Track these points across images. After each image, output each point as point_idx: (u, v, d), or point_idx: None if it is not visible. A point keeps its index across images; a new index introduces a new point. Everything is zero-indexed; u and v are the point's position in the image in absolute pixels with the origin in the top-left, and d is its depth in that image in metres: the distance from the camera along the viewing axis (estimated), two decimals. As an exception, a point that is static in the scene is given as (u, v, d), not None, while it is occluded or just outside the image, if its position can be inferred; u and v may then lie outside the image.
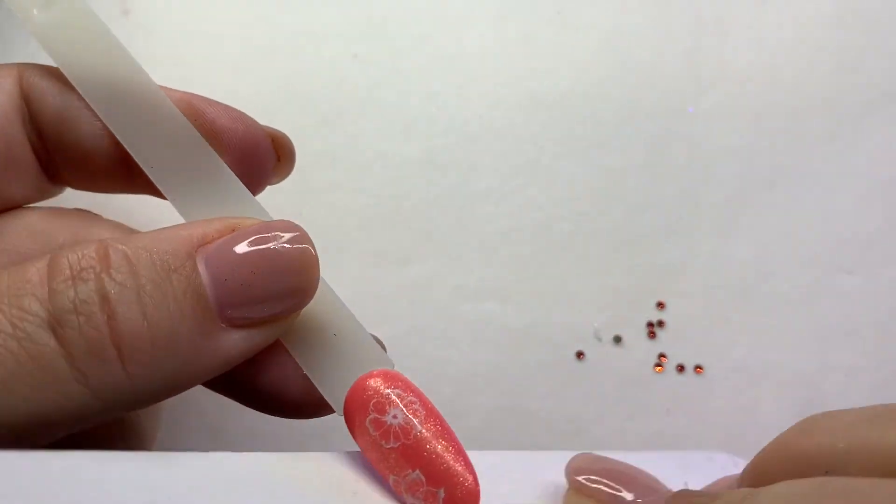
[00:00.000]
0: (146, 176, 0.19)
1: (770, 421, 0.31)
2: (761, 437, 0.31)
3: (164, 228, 0.18)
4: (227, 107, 0.21)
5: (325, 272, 0.32)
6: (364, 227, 0.31)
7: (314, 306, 0.19)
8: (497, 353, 0.31)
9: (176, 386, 0.17)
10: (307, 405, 0.19)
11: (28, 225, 0.21)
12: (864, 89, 0.33)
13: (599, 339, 0.31)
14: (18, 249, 0.20)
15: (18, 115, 0.20)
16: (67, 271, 0.16)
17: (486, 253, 0.32)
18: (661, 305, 0.32)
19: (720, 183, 0.32)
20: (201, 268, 0.17)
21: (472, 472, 0.18)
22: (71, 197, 0.23)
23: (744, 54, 0.33)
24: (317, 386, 0.19)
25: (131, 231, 0.22)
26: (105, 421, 0.17)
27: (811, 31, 0.33)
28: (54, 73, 0.20)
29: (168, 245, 0.17)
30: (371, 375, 0.19)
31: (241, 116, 0.21)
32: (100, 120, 0.20)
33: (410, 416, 0.18)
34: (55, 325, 0.16)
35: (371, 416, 0.18)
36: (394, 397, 0.18)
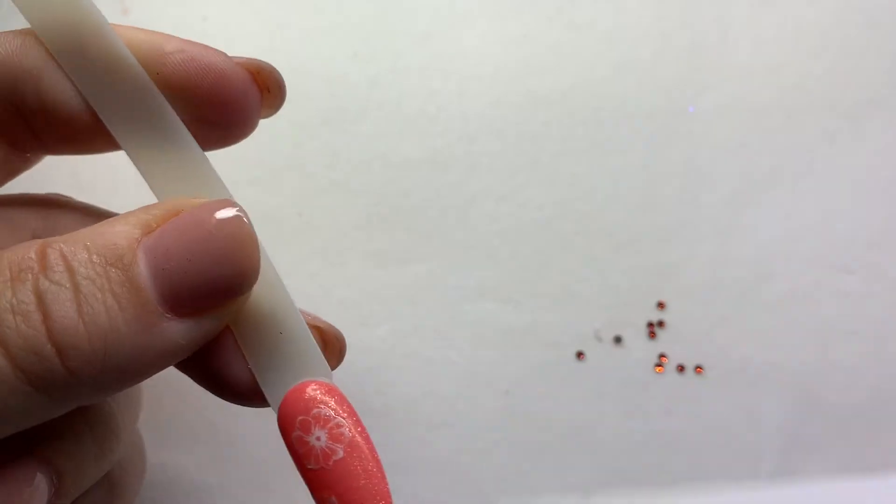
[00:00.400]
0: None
1: (770, 421, 0.31)
2: (761, 436, 0.32)
3: (108, 220, 0.18)
4: (196, 50, 0.20)
5: (325, 272, 0.32)
6: (364, 227, 0.31)
7: (266, 300, 0.19)
8: (497, 353, 0.31)
9: (124, 378, 0.17)
10: (255, 394, 0.19)
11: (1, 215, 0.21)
12: (864, 89, 0.33)
13: (600, 339, 0.31)
14: None
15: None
16: (7, 273, 0.16)
17: (486, 253, 0.32)
18: (661, 305, 0.32)
19: (720, 183, 0.32)
20: (140, 259, 0.17)
21: (387, 493, 0.18)
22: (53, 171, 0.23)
23: (744, 54, 0.33)
24: (258, 381, 0.19)
25: (102, 214, 0.22)
26: (59, 414, 0.17)
27: (811, 30, 0.33)
28: (27, 34, 0.20)
29: (107, 240, 0.17)
30: (308, 385, 0.18)
31: (210, 61, 0.20)
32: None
33: (332, 443, 0.18)
34: None
35: (296, 434, 0.18)
36: (323, 415, 0.18)
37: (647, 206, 0.32)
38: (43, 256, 0.17)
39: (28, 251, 0.17)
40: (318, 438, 0.18)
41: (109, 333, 0.16)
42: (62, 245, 0.17)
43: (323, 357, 0.19)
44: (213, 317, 0.18)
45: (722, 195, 0.32)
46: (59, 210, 0.21)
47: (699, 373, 0.31)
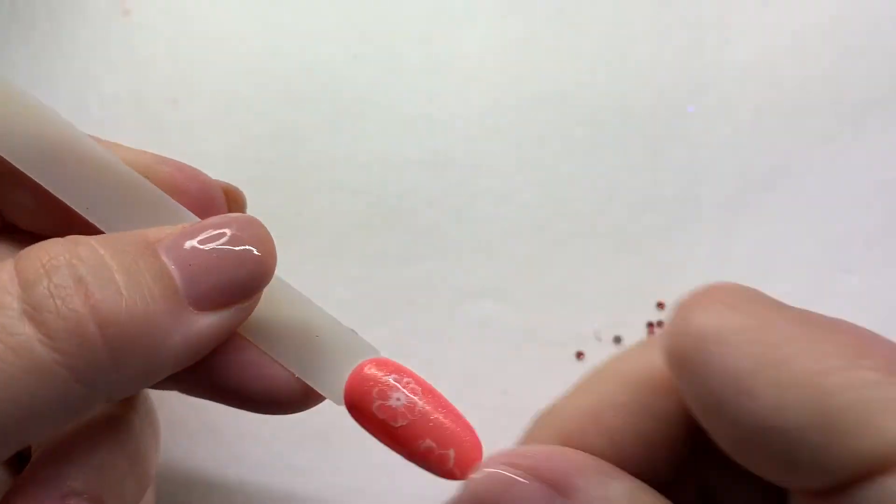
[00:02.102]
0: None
1: (770, 421, 0.31)
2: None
3: (115, 233, 0.18)
4: (181, 165, 0.22)
5: (325, 272, 0.32)
6: (364, 227, 0.31)
7: (290, 314, 0.20)
8: (497, 353, 0.31)
9: (154, 370, 0.18)
10: (295, 401, 0.20)
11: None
12: (864, 89, 0.33)
13: (599, 339, 0.31)
14: None
15: None
16: (38, 263, 0.17)
17: (486, 253, 0.32)
18: (661, 305, 0.32)
19: (720, 183, 0.32)
20: (162, 255, 0.18)
21: (473, 431, 0.20)
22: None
23: (744, 54, 0.33)
24: (313, 387, 0.20)
25: None
26: (90, 413, 0.18)
27: (811, 31, 0.33)
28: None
29: (128, 237, 0.18)
30: (364, 366, 0.20)
31: (195, 174, 0.22)
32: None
33: (412, 396, 0.20)
34: (32, 313, 0.16)
35: (377, 404, 0.20)
36: (392, 382, 0.20)
37: (647, 206, 0.32)
38: (73, 246, 0.17)
39: (53, 244, 0.17)
40: (398, 399, 0.20)
41: (147, 317, 0.17)
42: (90, 239, 0.17)
43: (363, 339, 0.21)
44: (235, 310, 0.19)
45: (721, 195, 0.32)
46: None
47: (699, 373, 0.31)
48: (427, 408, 0.20)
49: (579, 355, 0.31)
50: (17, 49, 0.32)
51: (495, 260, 0.32)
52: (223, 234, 0.18)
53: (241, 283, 0.18)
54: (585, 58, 0.33)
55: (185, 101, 0.32)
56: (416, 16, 0.33)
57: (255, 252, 0.19)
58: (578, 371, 0.31)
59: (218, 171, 0.25)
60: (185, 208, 0.20)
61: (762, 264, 0.32)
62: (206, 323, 0.18)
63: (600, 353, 0.31)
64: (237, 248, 0.18)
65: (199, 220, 0.20)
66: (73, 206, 0.20)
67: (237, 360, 0.20)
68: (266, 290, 0.20)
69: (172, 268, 0.18)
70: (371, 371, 0.20)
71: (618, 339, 0.31)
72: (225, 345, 0.20)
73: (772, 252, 0.32)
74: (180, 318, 0.18)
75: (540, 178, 0.32)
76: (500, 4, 0.33)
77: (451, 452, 0.20)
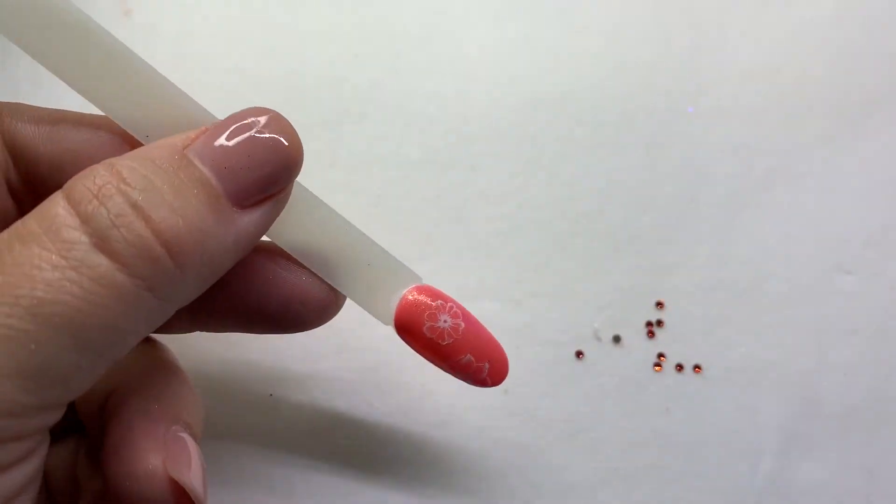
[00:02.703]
0: None
1: (769, 420, 0.31)
2: (761, 436, 0.32)
3: (142, 147, 0.19)
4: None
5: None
6: (364, 227, 0.31)
7: (347, 246, 0.23)
8: (497, 353, 0.31)
9: (216, 269, 0.19)
10: (320, 317, 0.23)
11: None
12: (863, 89, 0.33)
13: (599, 339, 0.31)
14: None
15: None
16: (90, 194, 0.17)
17: (486, 253, 0.32)
18: (660, 305, 0.32)
19: (720, 183, 0.33)
20: (197, 163, 0.19)
21: (502, 349, 0.25)
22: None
23: (744, 54, 0.33)
24: (365, 309, 0.24)
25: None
26: (165, 320, 0.19)
27: (811, 31, 0.33)
28: (39, 116, 0.21)
29: (160, 152, 0.19)
30: (412, 292, 0.24)
31: None
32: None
33: (456, 319, 0.24)
34: (101, 244, 0.17)
35: (427, 325, 0.23)
36: (438, 306, 0.24)
37: (647, 206, 0.32)
38: (117, 173, 0.18)
39: (96, 173, 0.18)
40: (445, 321, 0.24)
41: (201, 226, 0.18)
42: (128, 161, 0.18)
43: (407, 267, 0.24)
44: (271, 205, 0.20)
45: (721, 195, 0.32)
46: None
47: (698, 372, 0.31)
48: (468, 328, 0.24)
49: (579, 355, 0.31)
50: (18, 49, 0.32)
51: (495, 260, 0.32)
52: (248, 128, 0.19)
53: (275, 175, 0.19)
54: (585, 58, 0.33)
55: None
56: (416, 16, 0.33)
57: (283, 141, 0.19)
58: (578, 371, 0.31)
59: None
60: (206, 110, 0.21)
61: (761, 264, 0.32)
62: (251, 221, 0.19)
63: (600, 353, 0.31)
64: (265, 140, 0.19)
65: (217, 119, 0.20)
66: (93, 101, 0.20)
67: (269, 279, 0.22)
68: (323, 219, 0.22)
69: (209, 173, 0.19)
70: (418, 297, 0.24)
71: (617, 339, 0.31)
72: (257, 265, 0.22)
73: (771, 252, 0.32)
74: (229, 222, 0.19)
75: (540, 178, 0.32)
76: (500, 4, 0.33)
77: (486, 365, 0.24)
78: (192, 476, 0.20)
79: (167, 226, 0.18)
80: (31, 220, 0.17)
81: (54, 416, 0.18)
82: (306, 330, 0.23)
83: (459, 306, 0.24)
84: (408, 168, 0.32)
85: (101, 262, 0.17)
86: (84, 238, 0.17)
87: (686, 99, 0.33)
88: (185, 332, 0.24)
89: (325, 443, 0.30)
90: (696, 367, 0.31)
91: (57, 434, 0.23)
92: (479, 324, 0.24)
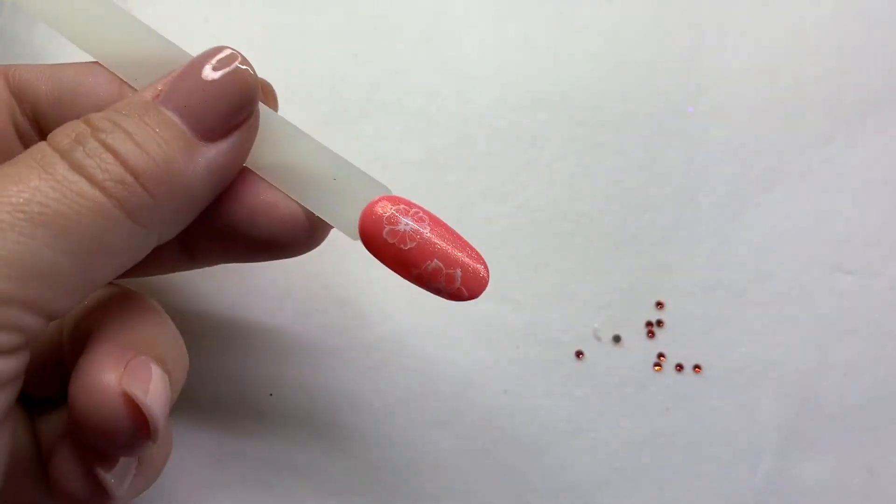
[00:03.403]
0: None
1: (769, 420, 0.31)
2: (760, 436, 0.32)
3: (122, 100, 0.22)
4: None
5: (325, 272, 0.32)
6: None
7: (312, 161, 0.23)
8: (497, 353, 0.31)
9: (192, 200, 0.21)
10: (303, 240, 0.24)
11: None
12: (863, 89, 0.33)
13: (598, 339, 0.31)
14: None
15: (6, 110, 0.23)
16: (68, 139, 0.20)
17: (486, 253, 0.31)
18: (660, 305, 0.32)
19: (719, 183, 0.33)
20: (161, 107, 0.21)
21: (479, 254, 0.23)
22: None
23: (743, 54, 0.33)
24: (331, 224, 0.23)
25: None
26: (149, 250, 0.21)
27: (810, 31, 0.33)
28: (41, 67, 0.23)
29: (128, 105, 0.21)
30: (376, 202, 0.23)
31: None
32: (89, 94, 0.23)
33: (418, 223, 0.22)
34: (80, 170, 0.19)
35: (387, 229, 0.22)
36: (401, 210, 0.23)
37: (646, 206, 0.32)
38: (89, 121, 0.20)
39: (73, 124, 0.20)
40: (406, 224, 0.22)
41: (167, 160, 0.20)
42: (100, 114, 0.21)
43: (375, 179, 0.23)
44: (240, 134, 0.22)
45: (720, 195, 0.32)
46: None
47: (697, 372, 0.31)
48: (433, 231, 0.22)
49: (579, 355, 0.31)
50: (19, 49, 0.32)
51: (495, 260, 0.32)
52: (203, 67, 0.21)
53: (234, 106, 0.21)
54: (584, 59, 0.33)
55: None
56: (416, 16, 0.33)
57: (237, 75, 0.21)
58: (578, 370, 0.31)
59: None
60: (184, 50, 0.23)
61: (761, 264, 0.32)
62: (220, 149, 0.21)
63: (600, 353, 0.31)
64: (219, 76, 0.21)
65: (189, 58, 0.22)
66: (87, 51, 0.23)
67: (250, 204, 0.23)
68: (288, 139, 0.23)
69: (171, 114, 0.21)
70: (382, 205, 0.23)
71: (617, 339, 0.31)
72: (239, 191, 0.23)
73: (771, 252, 0.32)
74: (195, 152, 0.21)
75: (539, 179, 0.32)
76: (500, 5, 0.33)
77: (458, 272, 0.22)
78: (150, 397, 0.20)
79: (134, 158, 0.20)
80: (27, 156, 0.20)
81: (36, 323, 0.19)
82: (292, 254, 0.24)
83: (427, 212, 0.23)
84: (408, 168, 0.32)
85: (80, 180, 0.19)
86: (65, 165, 0.19)
87: (686, 99, 0.33)
88: (179, 270, 0.26)
89: (325, 443, 0.30)
90: (696, 367, 0.31)
91: (54, 404, 0.24)
92: (448, 228, 0.23)
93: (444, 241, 0.22)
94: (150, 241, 0.21)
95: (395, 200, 0.23)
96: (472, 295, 0.23)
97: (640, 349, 0.31)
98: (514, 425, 0.31)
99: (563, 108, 0.33)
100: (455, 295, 0.23)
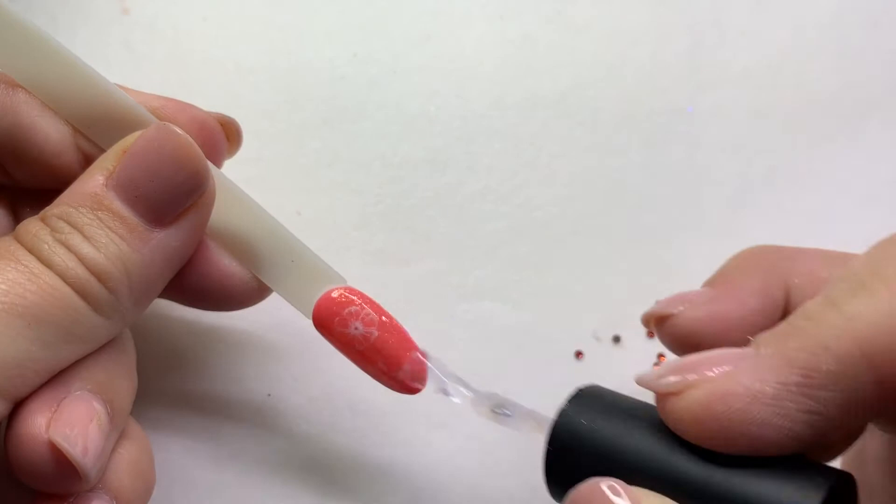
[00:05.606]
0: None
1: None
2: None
3: (77, 181, 0.22)
4: (171, 99, 0.25)
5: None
6: (364, 227, 0.31)
7: (273, 242, 0.24)
8: (496, 353, 0.31)
9: (151, 286, 0.22)
10: (250, 299, 0.25)
11: None
12: (863, 89, 0.33)
13: (598, 339, 0.31)
14: None
15: None
16: (30, 236, 0.21)
17: (486, 253, 0.32)
18: (660, 305, 0.32)
19: (720, 183, 0.32)
20: (114, 196, 0.21)
21: (418, 349, 0.24)
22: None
23: (743, 54, 0.33)
24: (287, 300, 0.24)
25: None
26: (112, 336, 0.22)
27: (810, 31, 0.33)
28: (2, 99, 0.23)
29: (85, 193, 0.21)
30: (331, 291, 0.24)
31: (184, 106, 0.25)
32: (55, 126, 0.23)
33: (367, 328, 0.24)
34: (57, 272, 0.20)
35: (338, 330, 0.24)
36: (353, 312, 0.24)
37: (647, 206, 0.32)
38: (47, 222, 0.21)
39: (33, 224, 0.21)
40: (356, 328, 0.24)
41: (121, 256, 0.21)
42: (55, 210, 0.21)
43: (332, 268, 0.24)
44: (192, 216, 0.22)
45: (721, 195, 0.32)
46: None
47: (698, 372, 0.31)
48: (380, 336, 0.24)
49: (578, 355, 0.31)
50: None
51: (495, 260, 0.32)
52: (148, 152, 0.21)
53: (182, 188, 0.22)
54: (584, 58, 0.33)
55: (184, 100, 0.32)
56: (416, 16, 0.33)
57: (188, 158, 0.22)
58: (578, 371, 0.31)
59: (220, 170, 0.25)
60: (148, 112, 0.23)
61: (761, 264, 0.32)
62: (173, 234, 0.22)
63: (600, 353, 0.31)
64: (164, 160, 0.21)
65: (143, 113, 0.23)
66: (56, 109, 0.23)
67: (205, 271, 0.24)
68: (247, 213, 0.24)
69: (121, 206, 0.21)
70: (337, 297, 0.24)
71: (617, 339, 0.31)
72: (193, 258, 0.24)
73: (771, 252, 0.32)
74: (149, 241, 0.21)
75: (539, 178, 0.32)
76: (499, 4, 0.33)
77: (404, 369, 0.24)
78: (79, 441, 0.20)
79: (91, 258, 0.21)
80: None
81: (4, 408, 0.20)
82: (239, 308, 0.25)
83: (381, 313, 0.24)
84: (408, 168, 0.32)
85: (52, 275, 0.20)
86: (32, 257, 0.20)
87: (686, 99, 0.33)
88: None
89: (324, 443, 0.30)
90: (696, 368, 0.31)
91: None
92: (396, 330, 0.24)
93: (388, 345, 0.24)
94: (114, 330, 0.22)
95: (349, 292, 0.24)
96: (413, 388, 0.24)
97: (640, 349, 0.31)
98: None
99: (563, 108, 0.33)
100: (400, 388, 0.24)
